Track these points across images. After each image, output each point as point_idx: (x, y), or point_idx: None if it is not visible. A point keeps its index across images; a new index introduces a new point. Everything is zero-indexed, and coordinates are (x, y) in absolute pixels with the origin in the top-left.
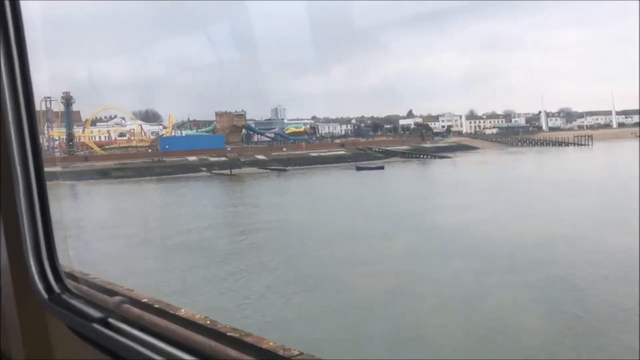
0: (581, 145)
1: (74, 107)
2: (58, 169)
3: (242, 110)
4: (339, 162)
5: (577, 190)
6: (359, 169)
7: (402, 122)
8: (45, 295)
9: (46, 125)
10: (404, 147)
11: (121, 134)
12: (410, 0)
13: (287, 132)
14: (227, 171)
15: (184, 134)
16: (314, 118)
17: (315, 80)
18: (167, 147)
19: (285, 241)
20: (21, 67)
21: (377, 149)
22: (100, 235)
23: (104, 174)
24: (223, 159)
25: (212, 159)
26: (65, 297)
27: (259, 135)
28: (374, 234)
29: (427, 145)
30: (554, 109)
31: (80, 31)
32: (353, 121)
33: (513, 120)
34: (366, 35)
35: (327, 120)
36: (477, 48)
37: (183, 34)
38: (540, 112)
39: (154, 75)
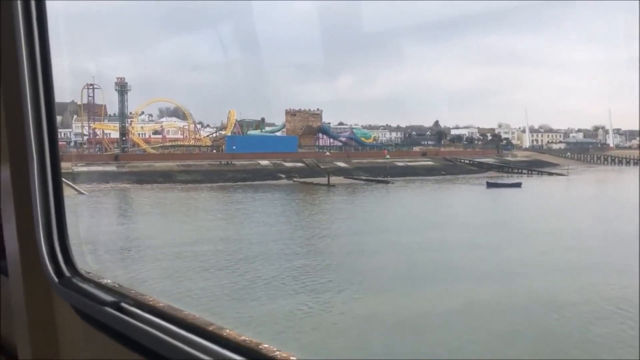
0: None
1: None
2: (112, 168)
3: (318, 109)
4: (433, 174)
5: None
6: (490, 185)
7: (454, 132)
8: (55, 278)
9: (74, 117)
10: (491, 160)
11: (155, 132)
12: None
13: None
14: (318, 179)
15: (247, 134)
16: (341, 124)
17: (324, 87)
18: (234, 148)
19: None
20: (42, 57)
21: (467, 161)
22: None
23: (167, 177)
24: (300, 164)
25: (287, 164)
26: (75, 280)
27: (332, 140)
28: None
29: (510, 159)
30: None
31: (101, 27)
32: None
33: (571, 135)
34: (382, 42)
35: (371, 127)
36: (495, 60)
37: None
38: (598, 128)
39: (156, 73)
